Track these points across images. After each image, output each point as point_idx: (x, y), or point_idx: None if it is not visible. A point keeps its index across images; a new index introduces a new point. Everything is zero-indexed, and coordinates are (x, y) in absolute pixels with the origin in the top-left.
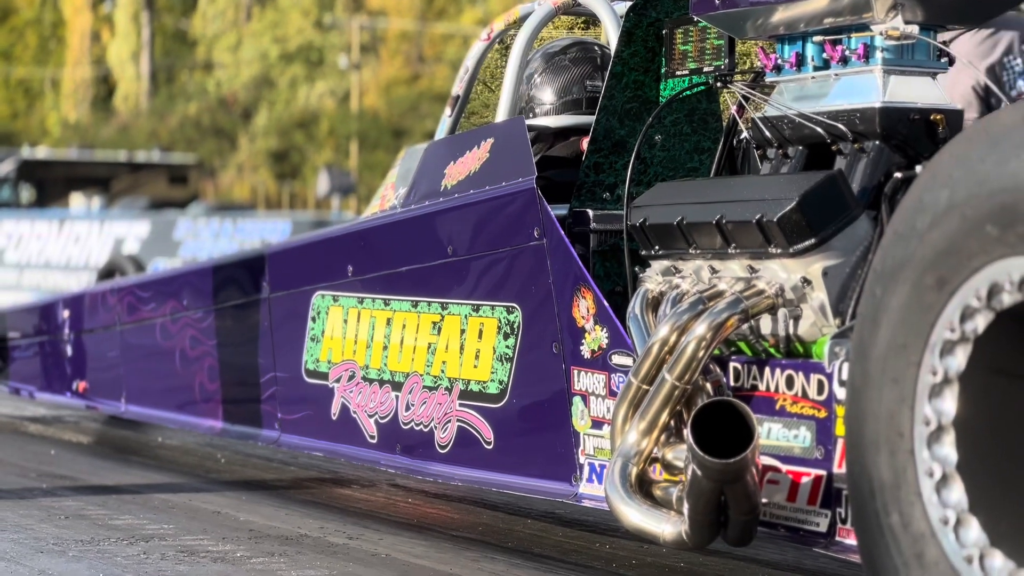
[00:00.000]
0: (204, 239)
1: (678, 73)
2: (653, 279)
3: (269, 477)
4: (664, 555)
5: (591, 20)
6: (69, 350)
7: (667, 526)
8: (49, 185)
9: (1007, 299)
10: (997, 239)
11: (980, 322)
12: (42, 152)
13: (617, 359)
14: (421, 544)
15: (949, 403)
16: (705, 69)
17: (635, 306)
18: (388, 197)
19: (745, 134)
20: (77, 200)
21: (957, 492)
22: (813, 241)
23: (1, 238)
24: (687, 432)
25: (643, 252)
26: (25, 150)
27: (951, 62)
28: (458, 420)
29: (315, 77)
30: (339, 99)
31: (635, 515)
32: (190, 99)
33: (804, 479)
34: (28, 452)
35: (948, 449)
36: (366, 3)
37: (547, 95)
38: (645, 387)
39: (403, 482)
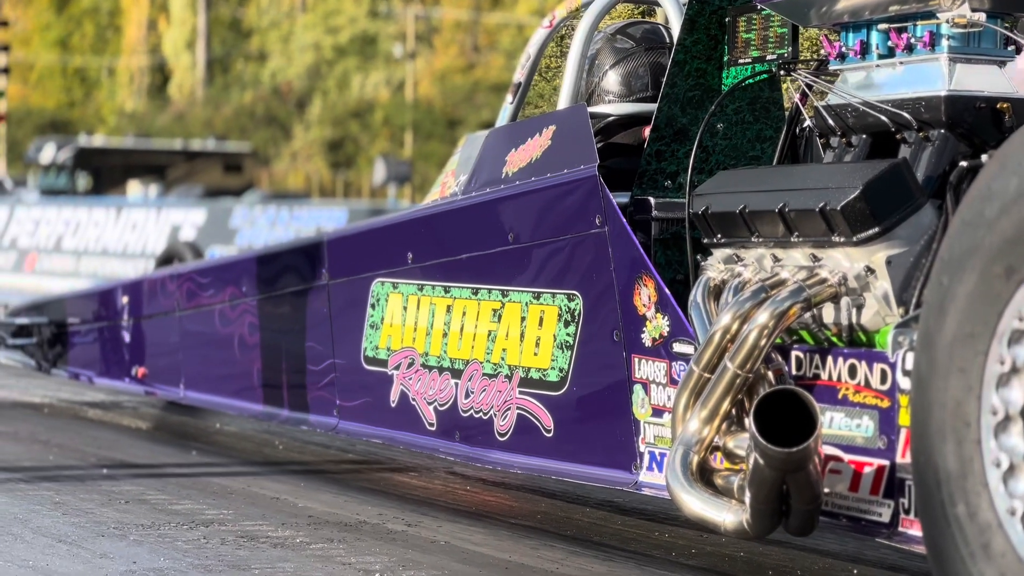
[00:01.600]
0: (260, 227)
1: (741, 61)
2: (715, 267)
3: (327, 464)
4: (724, 544)
5: (652, 8)
6: (128, 336)
7: (728, 515)
8: (105, 173)
9: None
10: None
11: None
12: (98, 140)
13: (678, 347)
14: (480, 531)
15: (1017, 392)
16: (768, 57)
17: (697, 294)
18: (448, 184)
19: (808, 122)
20: (135, 188)
21: None
22: (877, 230)
23: (59, 225)
24: (749, 421)
25: (705, 240)
26: (82, 138)
27: (1018, 50)
28: (518, 408)
29: (369, 67)
30: (393, 89)
31: (696, 503)
32: (245, 88)
33: (867, 469)
34: (88, 437)
35: (1016, 439)
36: None
37: (609, 83)
38: (707, 375)
39: (461, 470)
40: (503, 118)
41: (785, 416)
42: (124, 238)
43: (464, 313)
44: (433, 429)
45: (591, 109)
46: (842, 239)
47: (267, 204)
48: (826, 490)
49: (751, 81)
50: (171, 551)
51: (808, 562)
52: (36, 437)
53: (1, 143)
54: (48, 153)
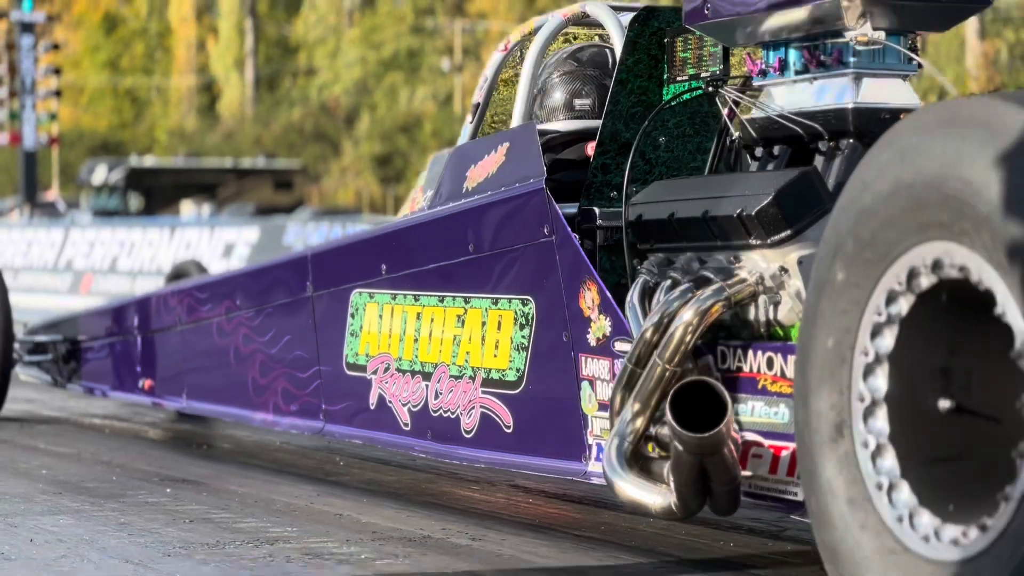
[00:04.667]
0: (314, 243)
1: (679, 79)
2: (649, 271)
3: (388, 479)
4: (790, 553)
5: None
6: (136, 350)
7: (658, 498)
8: (156, 192)
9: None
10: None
11: (904, 306)
12: (149, 160)
13: (619, 346)
14: (544, 544)
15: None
16: (703, 75)
17: (633, 296)
18: (418, 199)
19: (735, 135)
20: (188, 207)
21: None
22: (789, 232)
23: (114, 246)
24: (666, 409)
25: (640, 246)
26: (133, 159)
27: (919, 65)
28: (481, 407)
29: (415, 82)
30: (441, 102)
31: (629, 488)
32: (293, 105)
33: (783, 452)
34: (149, 456)
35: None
36: (467, 7)
37: (557, 102)
38: (639, 370)
39: (523, 483)
40: (464, 136)
41: (705, 405)
42: (179, 258)
43: (432, 320)
44: (408, 429)
45: (541, 126)
46: (758, 242)
47: (319, 220)
48: (748, 472)
49: (687, 97)
50: (237, 570)
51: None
52: (99, 458)
53: (54, 166)
54: (100, 174)
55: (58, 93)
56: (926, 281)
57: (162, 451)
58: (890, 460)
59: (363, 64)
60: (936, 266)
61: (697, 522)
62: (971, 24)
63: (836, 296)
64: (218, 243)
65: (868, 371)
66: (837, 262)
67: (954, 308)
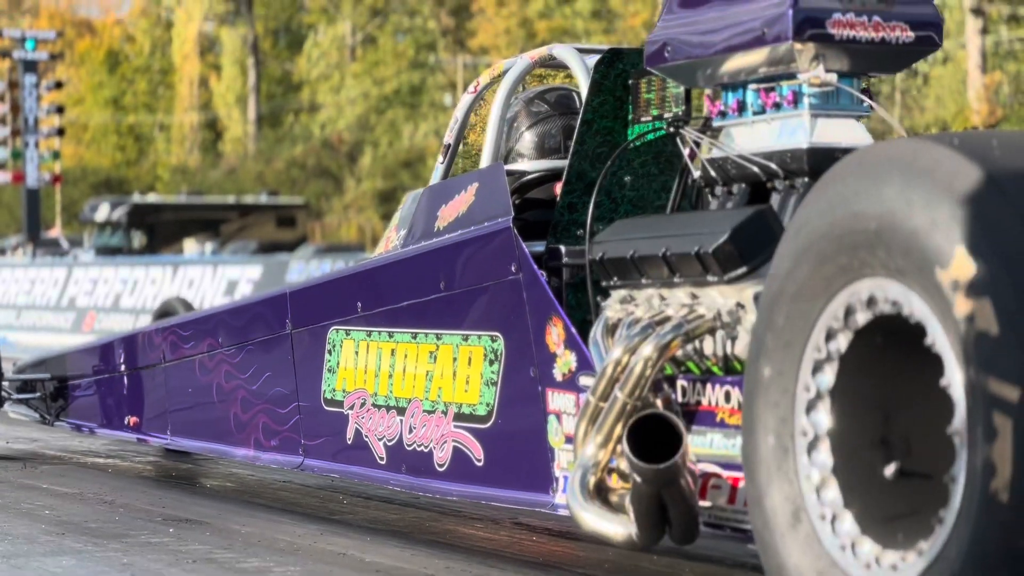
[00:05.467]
0: None
1: (643, 119)
2: (612, 307)
3: (392, 518)
4: None
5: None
6: (122, 387)
7: (619, 528)
8: (159, 229)
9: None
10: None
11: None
12: (152, 197)
13: (584, 380)
14: None
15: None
16: (665, 115)
17: (596, 332)
18: (392, 238)
19: (696, 174)
20: (191, 245)
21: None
22: (744, 269)
23: (116, 284)
24: (624, 441)
25: (604, 283)
26: (136, 196)
27: (871, 106)
28: (453, 440)
29: (417, 118)
30: (442, 138)
31: (591, 519)
32: (296, 142)
33: (741, 484)
34: (153, 496)
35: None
36: (468, 42)
37: (526, 143)
38: (601, 404)
39: (527, 520)
40: (436, 177)
41: (662, 438)
42: (182, 295)
43: (406, 356)
44: (384, 463)
45: (511, 167)
46: (715, 279)
47: (322, 257)
48: (708, 503)
49: (650, 137)
50: None
51: None
52: (102, 498)
53: (57, 203)
54: (103, 212)
55: (61, 131)
56: (844, 339)
57: (165, 491)
58: (848, 523)
59: (365, 100)
60: (848, 314)
61: (703, 559)
62: (972, 57)
63: (766, 393)
64: (221, 280)
65: (811, 448)
66: (761, 361)
67: (880, 366)
